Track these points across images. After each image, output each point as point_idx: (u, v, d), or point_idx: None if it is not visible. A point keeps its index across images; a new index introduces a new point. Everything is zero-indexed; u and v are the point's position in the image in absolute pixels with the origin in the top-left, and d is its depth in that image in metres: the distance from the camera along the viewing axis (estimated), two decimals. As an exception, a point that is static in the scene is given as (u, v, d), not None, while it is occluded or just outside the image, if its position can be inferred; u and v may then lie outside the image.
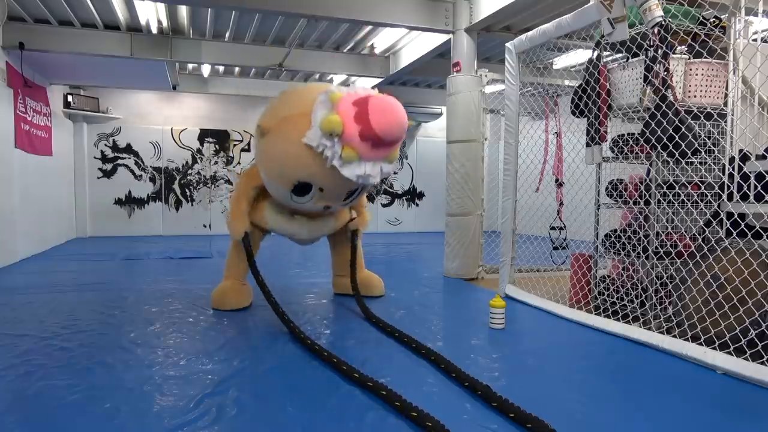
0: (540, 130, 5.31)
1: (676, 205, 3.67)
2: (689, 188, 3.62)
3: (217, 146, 11.01)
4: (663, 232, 3.78)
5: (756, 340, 2.87)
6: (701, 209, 3.60)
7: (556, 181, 5.08)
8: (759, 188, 3.05)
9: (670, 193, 3.63)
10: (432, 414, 2.16)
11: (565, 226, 5.05)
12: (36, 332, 3.54)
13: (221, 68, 9.66)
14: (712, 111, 3.45)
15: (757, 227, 3.08)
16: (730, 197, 3.24)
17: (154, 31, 7.31)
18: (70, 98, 9.35)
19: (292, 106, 3.74)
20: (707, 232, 3.38)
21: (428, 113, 11.34)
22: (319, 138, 3.45)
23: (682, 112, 3.26)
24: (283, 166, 3.74)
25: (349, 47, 8.26)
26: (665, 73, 3.26)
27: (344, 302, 4.58)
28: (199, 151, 10.92)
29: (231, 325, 3.77)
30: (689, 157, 3.30)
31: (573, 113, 4.04)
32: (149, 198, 10.67)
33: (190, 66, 9.59)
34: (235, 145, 11.09)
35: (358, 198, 4.20)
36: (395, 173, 12.21)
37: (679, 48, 3.66)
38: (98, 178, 10.34)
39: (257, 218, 4.25)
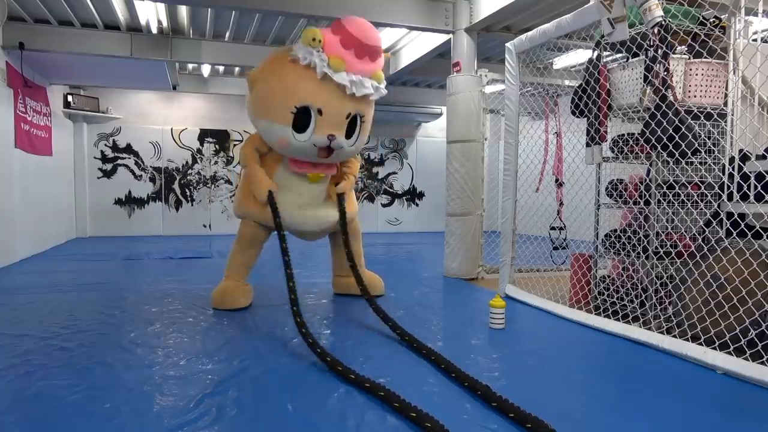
0: (540, 130, 5.31)
1: (676, 205, 3.67)
2: (689, 188, 3.62)
3: (217, 146, 11.01)
4: (663, 232, 3.78)
5: (756, 340, 2.87)
6: (701, 209, 3.60)
7: (556, 181, 5.08)
8: (759, 188, 3.05)
9: (670, 193, 3.63)
10: (432, 414, 2.16)
11: (565, 226, 5.05)
12: (36, 332, 3.54)
13: (221, 68, 9.66)
14: (712, 111, 3.45)
15: (757, 227, 3.08)
16: (730, 197, 3.24)
17: (154, 31, 7.30)
18: (70, 98, 9.35)
19: (275, 53, 4.05)
20: (707, 232, 3.38)
21: (428, 113, 11.34)
22: (304, 50, 3.76)
23: (682, 112, 3.26)
24: (278, 97, 3.89)
25: (349, 47, 8.26)
26: (665, 73, 3.26)
27: (344, 302, 4.58)
28: (199, 151, 10.92)
29: (231, 325, 3.77)
30: (689, 157, 3.30)
31: (573, 113, 4.04)
32: (149, 198, 10.67)
33: (190, 66, 9.59)
34: (235, 145, 11.09)
35: (359, 139, 4.18)
36: (395, 173, 12.23)
37: (679, 48, 3.66)
38: (98, 178, 10.34)
39: (263, 215, 4.21)
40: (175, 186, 10.81)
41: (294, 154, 4.06)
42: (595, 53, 3.81)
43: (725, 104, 3.51)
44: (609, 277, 4.21)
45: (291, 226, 4.32)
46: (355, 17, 3.90)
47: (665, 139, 3.28)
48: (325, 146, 3.95)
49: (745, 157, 3.19)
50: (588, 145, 3.86)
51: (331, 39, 3.77)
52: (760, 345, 2.85)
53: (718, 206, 3.35)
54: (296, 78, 3.82)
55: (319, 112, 3.85)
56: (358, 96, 3.89)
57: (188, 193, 10.88)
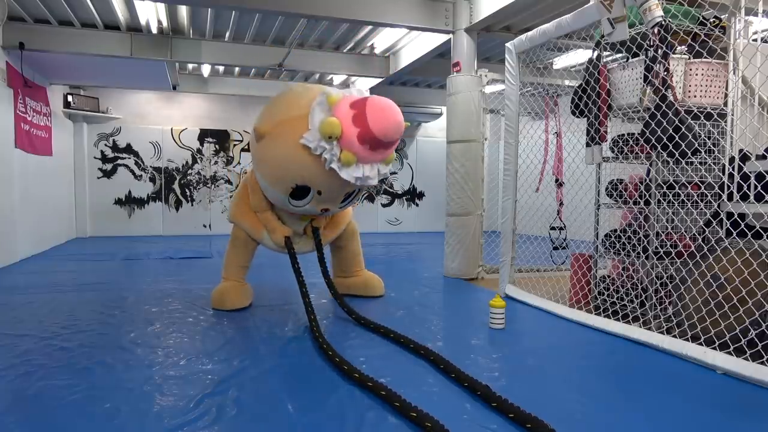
0: (540, 130, 5.31)
1: (676, 205, 3.67)
2: (689, 188, 3.62)
3: (217, 146, 11.01)
4: (663, 232, 3.78)
5: (756, 340, 2.87)
6: (701, 209, 3.60)
7: (556, 181, 5.08)
8: (759, 188, 3.05)
9: (670, 193, 3.63)
10: (431, 414, 2.16)
11: (565, 226, 5.05)
12: (36, 332, 3.54)
13: (221, 68, 9.66)
14: (712, 111, 3.45)
15: (757, 227, 3.08)
16: (730, 197, 3.24)
17: (154, 31, 7.31)
18: (70, 98, 9.35)
19: (289, 108, 3.72)
20: (707, 232, 3.38)
21: (428, 113, 11.33)
22: (318, 140, 3.47)
23: (682, 112, 3.26)
24: (280, 169, 3.74)
25: (349, 47, 8.26)
26: (665, 73, 3.26)
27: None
28: (199, 151, 10.92)
29: (231, 325, 3.77)
30: (689, 157, 3.30)
31: (573, 113, 4.04)
32: (149, 198, 10.67)
33: (190, 66, 9.59)
34: (235, 145, 11.09)
35: (355, 201, 4.17)
36: (395, 173, 12.23)
37: (679, 48, 3.66)
38: (98, 178, 10.34)
39: (256, 234, 4.27)
40: (175, 186, 10.81)
41: (287, 209, 4.10)
42: (595, 53, 3.81)
43: (725, 104, 3.51)
44: (609, 277, 4.20)
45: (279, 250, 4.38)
46: (380, 102, 3.45)
47: (665, 139, 3.28)
48: (318, 215, 4.08)
49: (745, 157, 3.19)
50: (588, 145, 3.86)
51: (350, 131, 3.40)
52: (760, 345, 2.85)
53: (718, 206, 3.35)
54: (303, 161, 3.59)
55: (319, 192, 3.78)
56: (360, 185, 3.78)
57: (188, 193, 10.88)
